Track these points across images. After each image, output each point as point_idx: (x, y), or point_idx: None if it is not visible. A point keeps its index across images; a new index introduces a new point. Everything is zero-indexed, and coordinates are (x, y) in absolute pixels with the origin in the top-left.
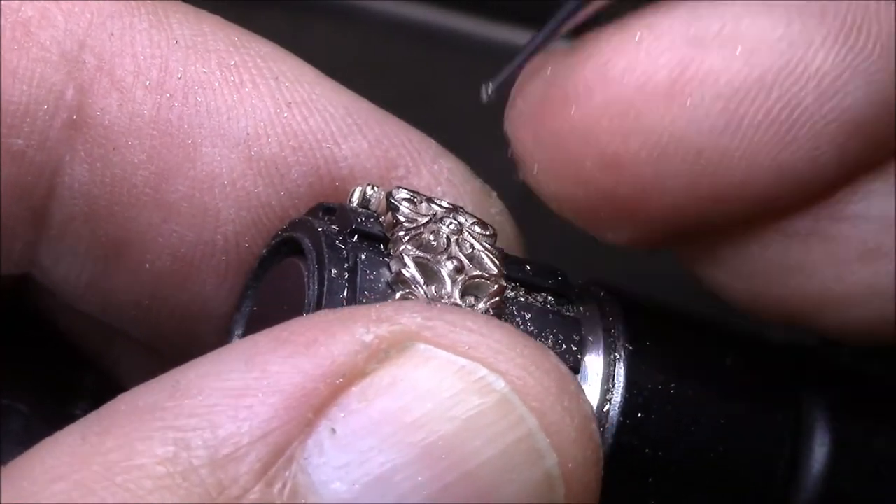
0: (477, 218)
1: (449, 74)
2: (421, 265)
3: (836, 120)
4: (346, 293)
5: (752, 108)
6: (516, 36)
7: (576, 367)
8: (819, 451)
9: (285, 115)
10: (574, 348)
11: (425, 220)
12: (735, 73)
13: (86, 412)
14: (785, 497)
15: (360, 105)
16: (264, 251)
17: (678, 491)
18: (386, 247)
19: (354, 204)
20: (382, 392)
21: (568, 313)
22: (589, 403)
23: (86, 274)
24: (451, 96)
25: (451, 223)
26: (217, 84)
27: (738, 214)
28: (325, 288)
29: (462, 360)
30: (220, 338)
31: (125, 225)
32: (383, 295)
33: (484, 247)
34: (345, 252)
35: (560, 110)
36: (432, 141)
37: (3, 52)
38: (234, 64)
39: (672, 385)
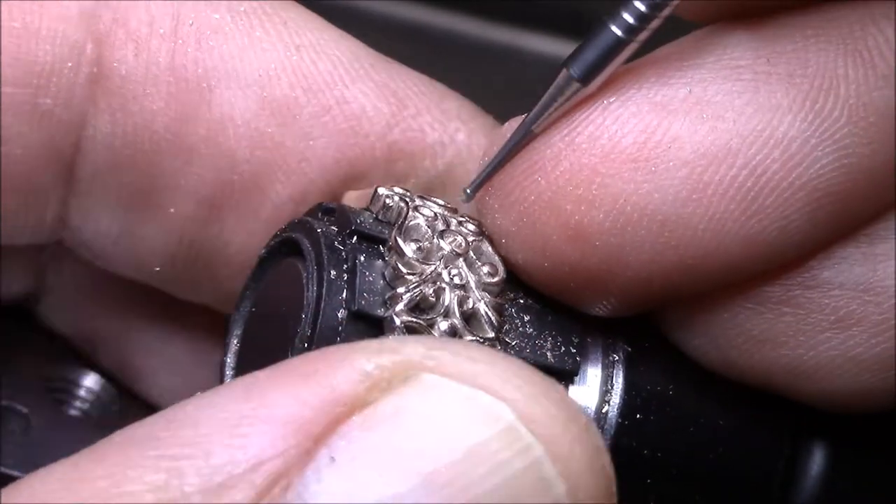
0: (489, 260)
1: (447, 76)
2: (411, 329)
3: (804, 188)
4: (345, 294)
5: (716, 176)
6: (514, 37)
7: (574, 369)
8: (817, 453)
9: (295, 57)
10: (573, 350)
11: (430, 268)
12: (700, 140)
13: (84, 413)
14: (783, 498)
15: (366, 51)
16: (263, 251)
17: (677, 492)
18: (386, 249)
19: (375, 207)
20: (385, 421)
21: (567, 314)
22: (600, 435)
23: (115, 227)
24: None
25: (455, 274)
26: (228, 29)
27: (707, 284)
28: (323, 289)
29: (467, 389)
30: (241, 282)
31: (149, 171)
32: (382, 296)
33: (486, 304)
34: (344, 253)
35: (526, 179)
36: (437, 82)
37: (24, 15)
38: (244, 10)
39: (671, 387)
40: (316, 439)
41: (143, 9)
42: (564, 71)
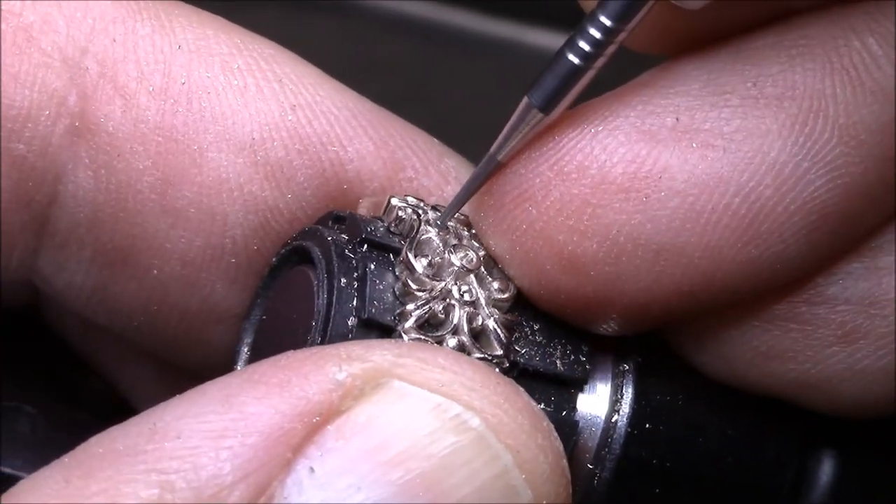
0: (500, 276)
1: (448, 71)
2: None
3: (798, 211)
4: (355, 303)
5: (709, 205)
6: (517, 32)
7: (584, 377)
8: (827, 463)
9: (290, 118)
10: (583, 358)
11: (440, 285)
12: (690, 169)
13: (93, 414)
14: None
15: (364, 106)
16: (274, 260)
17: (686, 502)
18: (396, 261)
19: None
20: (358, 430)
21: None
22: (559, 440)
23: (90, 282)
24: (449, 93)
25: (465, 291)
26: (221, 88)
27: (708, 306)
28: (334, 297)
29: (437, 398)
30: (231, 341)
31: (131, 232)
32: (392, 305)
33: (496, 321)
34: (354, 261)
35: (516, 208)
36: (435, 140)
37: (4, 57)
38: (238, 67)
39: (680, 397)
40: (294, 449)
41: (133, 63)
42: (525, 100)
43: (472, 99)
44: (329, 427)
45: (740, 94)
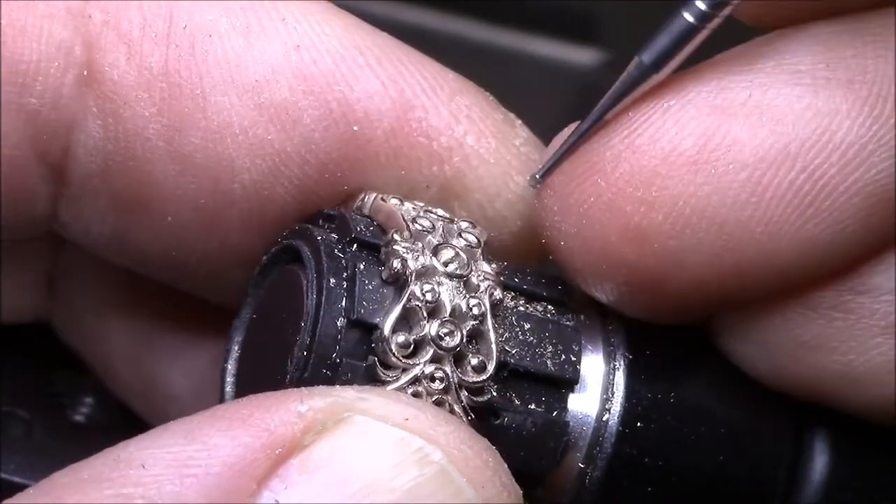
0: (485, 351)
1: None
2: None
3: (860, 192)
4: (344, 302)
5: (775, 180)
6: (520, 42)
7: (575, 377)
8: (819, 461)
9: (294, 58)
10: (573, 358)
11: (415, 370)
12: (759, 143)
13: (86, 419)
14: None
15: (374, 41)
16: (264, 258)
17: (678, 500)
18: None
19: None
20: (322, 464)
21: (567, 322)
22: (517, 486)
23: (108, 229)
24: None
25: (439, 377)
26: (223, 31)
27: (761, 288)
28: (323, 297)
29: (399, 432)
30: (245, 279)
31: (142, 179)
32: (381, 303)
33: (465, 404)
34: (344, 261)
35: (586, 180)
36: (450, 73)
37: (10, 11)
38: (241, 7)
39: (672, 394)
40: (259, 481)
41: (136, 9)
42: (637, 58)
43: None
44: (292, 461)
45: (813, 74)
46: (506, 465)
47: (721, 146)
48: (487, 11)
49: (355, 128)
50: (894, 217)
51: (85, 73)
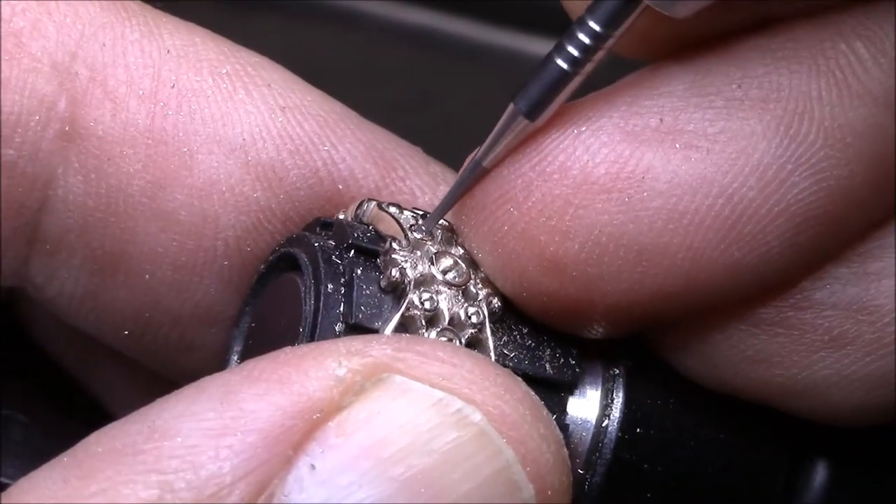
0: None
1: (450, 80)
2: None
3: (782, 214)
4: (342, 308)
5: (692, 206)
6: (520, 42)
7: (574, 381)
8: (818, 468)
9: (280, 119)
10: (572, 361)
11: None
12: (674, 170)
13: (85, 423)
14: None
15: (351, 112)
16: (262, 267)
17: None
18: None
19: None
20: (360, 426)
21: None
22: (559, 429)
23: (81, 288)
24: (451, 101)
25: (451, 300)
26: (210, 92)
27: (692, 309)
28: (321, 303)
29: (438, 393)
30: (224, 345)
31: (122, 236)
32: (379, 310)
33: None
34: (341, 267)
35: (498, 209)
36: (418, 148)
37: None
38: (226, 72)
39: (671, 401)
40: (295, 447)
41: (122, 68)
42: (511, 106)
43: (473, 108)
44: (330, 423)
45: (725, 95)
46: (544, 411)
47: (634, 174)
48: (487, 11)
49: (340, 186)
50: (827, 234)
51: (67, 128)
